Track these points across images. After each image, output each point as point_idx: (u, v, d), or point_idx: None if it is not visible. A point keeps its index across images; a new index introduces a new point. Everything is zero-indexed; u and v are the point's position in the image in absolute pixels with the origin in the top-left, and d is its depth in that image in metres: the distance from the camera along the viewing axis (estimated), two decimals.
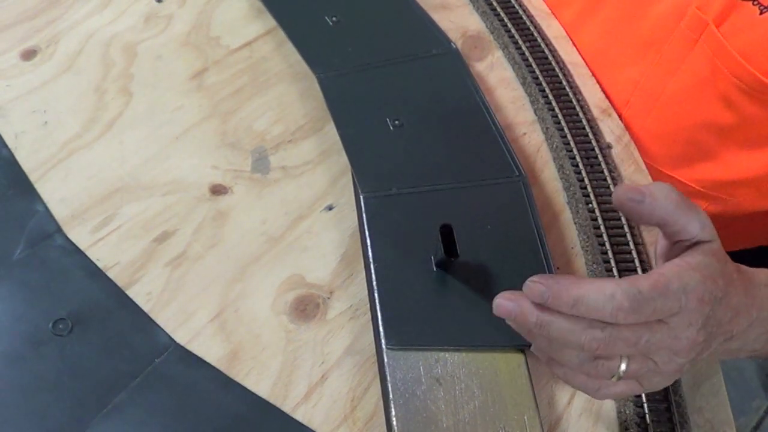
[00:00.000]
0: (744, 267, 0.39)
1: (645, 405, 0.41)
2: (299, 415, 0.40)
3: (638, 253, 0.48)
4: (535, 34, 0.61)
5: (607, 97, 0.59)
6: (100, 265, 0.43)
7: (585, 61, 0.61)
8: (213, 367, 0.40)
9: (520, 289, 0.41)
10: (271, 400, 0.40)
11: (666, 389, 0.42)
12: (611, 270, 0.47)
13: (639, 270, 0.47)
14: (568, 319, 0.35)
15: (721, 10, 0.48)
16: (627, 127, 0.57)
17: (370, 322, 0.42)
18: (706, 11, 0.49)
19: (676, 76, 0.53)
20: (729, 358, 0.40)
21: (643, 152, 0.57)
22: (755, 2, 0.47)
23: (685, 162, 0.55)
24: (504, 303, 0.35)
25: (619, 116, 0.58)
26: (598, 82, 0.60)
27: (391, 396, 0.38)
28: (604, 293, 0.34)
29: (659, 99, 0.55)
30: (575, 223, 0.50)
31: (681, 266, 0.35)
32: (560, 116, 0.55)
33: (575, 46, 0.62)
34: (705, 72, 0.50)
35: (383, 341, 0.39)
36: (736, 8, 0.47)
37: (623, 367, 0.36)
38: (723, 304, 0.36)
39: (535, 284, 0.34)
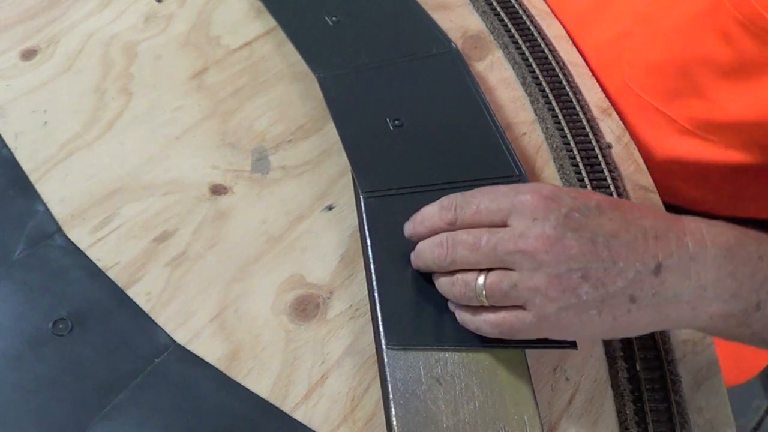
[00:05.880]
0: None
1: (645, 405, 0.41)
2: (299, 415, 0.40)
3: None
4: (535, 34, 0.61)
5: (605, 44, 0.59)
6: (100, 265, 0.43)
7: None
8: (213, 367, 0.40)
9: None
10: (271, 400, 0.40)
11: (666, 389, 0.42)
12: None
13: None
14: (424, 241, 0.39)
15: None
16: (626, 59, 0.58)
17: (370, 322, 0.42)
18: None
19: (678, 7, 0.53)
20: (694, 320, 0.36)
21: (639, 85, 0.57)
22: None
23: (677, 96, 0.55)
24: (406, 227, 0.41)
25: (620, 48, 0.58)
26: (598, 25, 0.60)
27: (391, 396, 0.38)
28: (434, 204, 0.39)
29: (660, 30, 0.55)
30: None
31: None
32: (560, 116, 0.55)
33: None
34: (707, 3, 0.50)
35: (383, 341, 0.39)
36: None
37: (480, 280, 0.36)
38: (606, 215, 0.35)
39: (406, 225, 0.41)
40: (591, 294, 0.34)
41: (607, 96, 0.59)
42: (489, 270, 0.36)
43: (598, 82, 0.60)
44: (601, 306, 0.34)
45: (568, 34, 0.63)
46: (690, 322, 0.36)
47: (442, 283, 0.39)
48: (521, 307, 0.35)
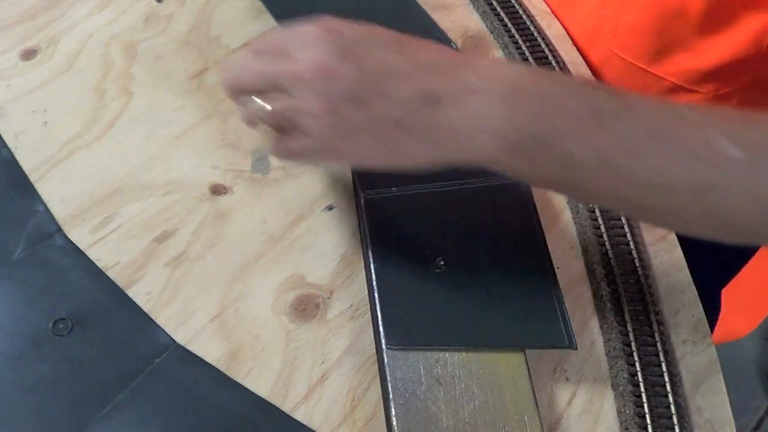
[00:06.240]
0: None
1: (645, 405, 0.41)
2: (299, 415, 0.40)
3: (638, 252, 0.48)
4: (535, 34, 0.61)
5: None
6: (100, 265, 0.43)
7: None
8: (213, 367, 0.40)
9: (521, 291, 0.41)
10: (271, 400, 0.40)
11: (665, 389, 0.42)
12: (611, 270, 0.47)
13: (640, 269, 0.47)
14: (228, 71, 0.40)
15: None
16: (606, 27, 0.59)
17: (370, 322, 0.42)
18: None
19: None
20: (473, 152, 0.35)
21: (624, 50, 0.58)
22: None
23: (663, 53, 0.56)
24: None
25: (599, 18, 0.60)
26: None
27: (391, 396, 0.38)
28: (245, 52, 0.39)
29: None
30: (575, 223, 0.50)
31: None
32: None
33: None
34: None
35: (383, 341, 0.39)
36: None
37: (265, 106, 0.37)
38: (387, 48, 0.36)
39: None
40: (363, 119, 0.35)
41: (591, 68, 0.60)
42: (274, 97, 0.37)
43: (582, 56, 0.61)
44: (373, 131, 0.35)
45: (555, 16, 0.64)
46: (469, 154, 0.36)
47: (238, 111, 0.40)
48: (303, 133, 0.37)
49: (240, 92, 0.39)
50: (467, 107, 0.34)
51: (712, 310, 0.65)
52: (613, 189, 0.35)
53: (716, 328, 0.67)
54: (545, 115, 0.34)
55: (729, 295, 0.66)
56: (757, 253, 0.66)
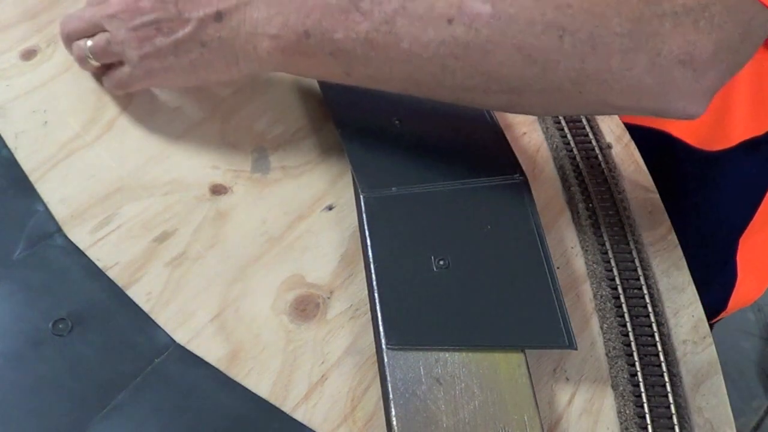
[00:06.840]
0: None
1: (645, 405, 0.41)
2: (299, 415, 0.40)
3: (638, 252, 0.48)
4: None
5: None
6: (100, 265, 0.43)
7: None
8: (213, 367, 0.40)
9: (521, 291, 0.42)
10: (271, 400, 0.40)
11: (665, 389, 0.42)
12: (611, 270, 0.47)
13: (640, 269, 0.47)
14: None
15: None
16: None
17: (370, 322, 0.42)
18: None
19: None
20: (259, 57, 0.42)
21: None
22: None
23: None
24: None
25: None
26: None
27: (391, 396, 0.38)
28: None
29: None
30: (575, 223, 0.50)
31: None
32: (560, 116, 0.55)
33: None
34: None
35: (383, 341, 0.39)
36: None
37: (88, 43, 0.46)
38: None
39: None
40: (164, 41, 0.42)
41: None
42: (96, 36, 0.45)
43: None
44: (175, 51, 0.42)
45: None
46: (256, 60, 0.42)
47: (72, 56, 0.48)
48: (123, 62, 0.45)
49: (71, 38, 0.47)
50: (244, 16, 0.41)
51: (729, 276, 0.66)
52: (385, 68, 0.40)
53: (732, 295, 0.67)
54: (309, 12, 0.39)
55: (741, 259, 0.66)
56: (762, 206, 0.65)
